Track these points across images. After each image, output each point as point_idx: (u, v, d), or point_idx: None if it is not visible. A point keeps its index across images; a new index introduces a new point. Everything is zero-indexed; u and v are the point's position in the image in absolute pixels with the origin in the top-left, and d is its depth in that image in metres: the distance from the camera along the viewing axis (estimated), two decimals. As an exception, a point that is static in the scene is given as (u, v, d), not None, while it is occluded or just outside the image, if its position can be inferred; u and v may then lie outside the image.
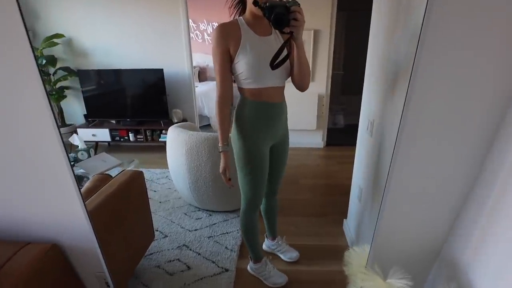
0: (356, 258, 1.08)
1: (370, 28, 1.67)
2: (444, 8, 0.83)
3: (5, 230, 1.06)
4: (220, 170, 1.35)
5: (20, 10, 0.76)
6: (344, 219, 2.11)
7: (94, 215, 1.15)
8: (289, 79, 1.31)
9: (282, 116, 1.36)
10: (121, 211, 1.40)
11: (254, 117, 1.28)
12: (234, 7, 1.29)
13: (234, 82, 1.28)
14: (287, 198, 2.46)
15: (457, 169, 1.04)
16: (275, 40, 1.24)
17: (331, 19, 3.16)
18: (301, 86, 1.28)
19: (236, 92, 1.31)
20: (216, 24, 5.38)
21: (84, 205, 0.97)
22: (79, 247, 1.06)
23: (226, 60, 1.20)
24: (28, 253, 0.98)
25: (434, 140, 1.01)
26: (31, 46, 0.80)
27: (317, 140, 3.63)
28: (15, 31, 0.80)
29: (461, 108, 0.96)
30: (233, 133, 1.35)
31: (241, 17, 1.22)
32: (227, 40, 1.17)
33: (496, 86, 0.91)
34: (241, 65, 1.18)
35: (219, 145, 1.31)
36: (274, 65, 1.10)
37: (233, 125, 1.34)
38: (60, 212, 1.00)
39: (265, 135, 1.32)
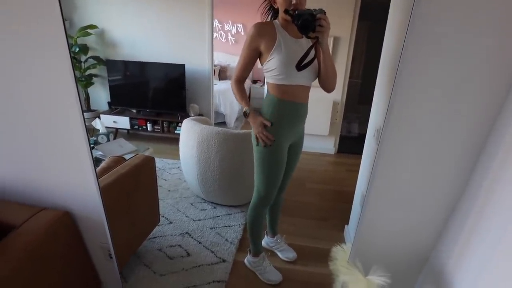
0: (341, 254, 1.12)
1: (384, 37, 1.70)
2: (430, 9, 0.88)
3: (25, 194, 1.17)
4: (257, 131, 1.35)
5: (60, 4, 0.86)
6: (346, 225, 2.13)
7: (105, 191, 1.25)
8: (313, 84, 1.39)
9: (304, 117, 1.43)
10: (131, 191, 1.50)
11: (280, 115, 1.34)
12: (265, 14, 1.41)
13: (255, 82, 1.37)
14: (291, 199, 2.50)
15: (443, 176, 1.07)
16: (306, 42, 1.32)
17: (352, 27, 3.18)
18: (327, 87, 1.37)
19: (258, 94, 1.40)
20: (241, 26, 5.51)
21: (97, 179, 1.07)
22: (89, 217, 1.16)
23: (254, 55, 1.32)
24: (43, 217, 1.09)
25: (418, 146, 1.05)
26: (66, 35, 0.90)
27: (329, 146, 3.64)
28: (54, 23, 0.90)
29: (448, 115, 0.99)
30: None
31: (276, 20, 1.33)
32: (262, 38, 1.27)
33: (486, 91, 0.94)
34: (275, 61, 1.26)
35: (244, 108, 1.38)
36: (300, 66, 1.21)
37: None
38: (75, 183, 1.11)
39: (287, 134, 1.39)
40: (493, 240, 0.88)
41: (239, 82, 1.40)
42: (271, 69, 1.29)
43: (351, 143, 3.78)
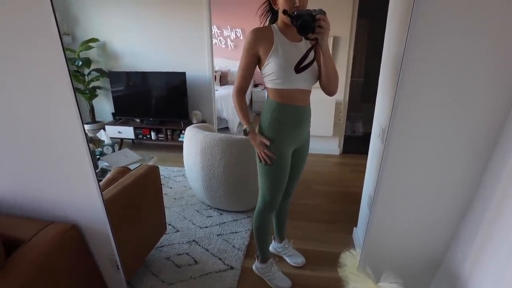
0: (350, 260, 1.10)
1: (385, 34, 1.69)
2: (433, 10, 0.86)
3: (33, 209, 1.19)
4: (258, 150, 1.36)
5: (54, 15, 0.87)
6: (354, 228, 2.10)
7: (111, 203, 1.26)
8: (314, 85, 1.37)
9: (307, 120, 1.41)
10: (136, 201, 1.51)
11: (281, 119, 1.33)
12: (264, 16, 1.39)
13: (256, 86, 1.35)
14: (298, 202, 2.48)
15: (456, 176, 1.03)
16: (305, 46, 1.31)
17: (351, 26, 3.17)
18: (329, 90, 1.34)
19: (259, 97, 1.39)
20: (239, 31, 5.54)
21: (100, 190, 1.08)
22: (95, 229, 1.17)
23: (253, 60, 1.30)
24: (51, 231, 1.10)
25: (426, 145, 1.01)
26: (63, 50, 0.91)
27: (333, 147, 3.62)
28: (50, 37, 0.91)
29: (456, 113, 0.96)
30: (260, 131, 1.40)
31: (274, 24, 1.32)
32: (259, 43, 1.26)
33: (497, 88, 0.91)
34: (272, 66, 1.25)
35: (244, 126, 1.37)
36: (298, 69, 1.18)
37: (259, 127, 1.40)
38: (80, 196, 1.12)
39: (290, 138, 1.37)
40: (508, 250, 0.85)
41: (241, 93, 1.36)
42: (269, 74, 1.29)
43: (356, 143, 3.75)
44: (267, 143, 1.33)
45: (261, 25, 1.38)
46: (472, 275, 0.97)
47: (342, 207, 2.48)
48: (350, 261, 1.10)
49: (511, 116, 0.91)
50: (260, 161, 1.38)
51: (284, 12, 1.18)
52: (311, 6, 1.17)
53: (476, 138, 0.97)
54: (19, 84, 1.01)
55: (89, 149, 1.01)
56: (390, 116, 0.99)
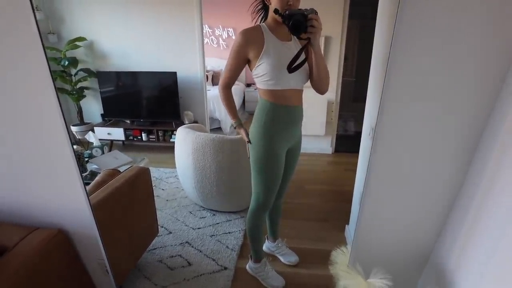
0: (341, 257, 1.10)
1: (375, 35, 1.70)
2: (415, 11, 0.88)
3: (17, 214, 1.15)
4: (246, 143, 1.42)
5: (34, 13, 0.84)
6: (346, 225, 2.11)
7: (100, 206, 1.23)
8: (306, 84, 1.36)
9: (299, 120, 1.41)
10: (126, 204, 1.47)
11: (274, 119, 1.31)
12: (257, 13, 1.37)
13: (249, 86, 1.35)
14: (291, 201, 2.48)
15: (442, 174, 1.06)
16: (295, 45, 1.30)
17: (342, 26, 3.18)
18: (320, 89, 1.34)
19: (252, 97, 1.39)
20: (231, 30, 5.51)
21: (87, 195, 1.05)
22: (83, 234, 1.14)
23: (242, 63, 1.29)
24: (36, 237, 1.06)
25: (412, 144, 1.03)
26: (44, 50, 0.88)
27: (326, 146, 3.63)
28: (30, 35, 0.88)
29: (441, 112, 0.98)
30: (252, 134, 1.39)
31: (263, 23, 1.29)
32: (249, 45, 1.24)
33: (479, 87, 0.94)
34: (264, 66, 1.24)
35: (232, 121, 1.40)
36: (291, 68, 1.17)
37: (252, 127, 1.38)
38: (67, 201, 1.09)
39: (283, 138, 1.36)
40: (494, 237, 0.87)
41: (227, 88, 1.38)
42: (261, 75, 1.27)
43: (348, 142, 3.77)
44: (246, 140, 1.38)
45: (253, 22, 1.36)
46: (458, 267, 1.00)
47: (335, 205, 2.48)
48: (340, 258, 1.11)
49: (493, 115, 0.93)
50: (249, 157, 1.38)
51: (276, 11, 1.17)
52: (302, 6, 1.16)
53: (460, 136, 1.00)
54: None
55: (75, 152, 0.98)
56: (377, 116, 1.00)
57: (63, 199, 1.08)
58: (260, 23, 1.34)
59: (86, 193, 1.04)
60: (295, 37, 1.31)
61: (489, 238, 0.88)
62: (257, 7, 1.36)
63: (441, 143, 1.01)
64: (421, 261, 1.17)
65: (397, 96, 0.97)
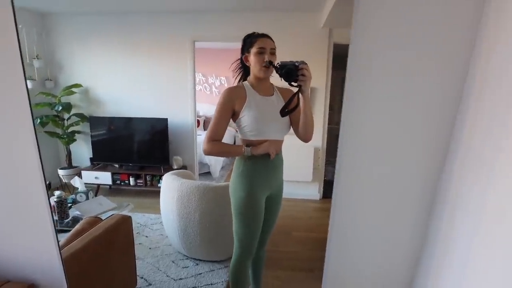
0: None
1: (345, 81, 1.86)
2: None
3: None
4: (269, 150, 1.35)
5: (21, 56, 0.90)
6: (333, 276, 2.05)
7: (75, 257, 1.20)
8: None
9: (279, 167, 1.46)
10: (104, 255, 1.43)
11: (255, 168, 1.37)
12: (236, 71, 1.50)
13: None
14: (276, 249, 2.42)
15: (405, 219, 1.13)
16: (276, 99, 1.41)
17: (326, 78, 3.41)
18: (305, 136, 1.40)
19: (240, 141, 1.44)
20: (224, 79, 5.81)
21: (59, 249, 1.03)
22: (54, 288, 1.09)
23: (227, 115, 1.35)
24: (5, 292, 1.02)
25: (374, 193, 1.11)
26: (28, 96, 0.92)
27: (313, 192, 3.65)
28: (15, 80, 0.93)
29: (398, 156, 1.07)
30: (232, 182, 1.43)
31: (246, 82, 1.42)
32: (234, 101, 1.34)
33: (441, 109, 1.02)
34: (246, 119, 1.33)
35: (243, 151, 1.34)
36: (285, 112, 1.26)
37: (233, 175, 1.43)
38: (39, 254, 1.06)
39: (263, 185, 1.40)
40: (461, 261, 0.92)
41: (214, 140, 1.35)
42: (243, 126, 1.36)
43: (335, 187, 3.80)
44: (271, 151, 1.36)
45: (233, 79, 1.49)
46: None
47: (322, 254, 2.42)
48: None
49: (452, 145, 1.02)
50: (235, 198, 1.41)
51: (270, 63, 1.29)
52: (289, 59, 1.27)
53: (420, 177, 1.08)
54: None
55: (50, 204, 0.99)
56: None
57: (35, 252, 1.05)
58: (241, 82, 1.46)
59: (59, 246, 1.02)
60: (277, 91, 1.44)
61: (457, 263, 0.93)
62: (237, 66, 1.49)
63: (400, 191, 1.10)
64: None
65: (352, 144, 1.08)
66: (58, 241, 1.02)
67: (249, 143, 1.37)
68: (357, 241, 1.21)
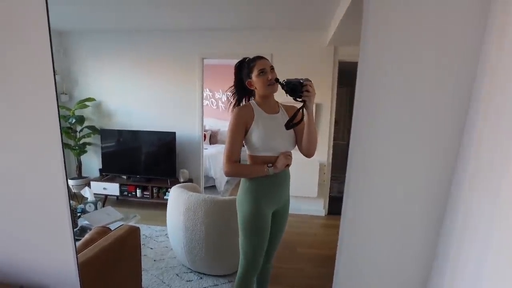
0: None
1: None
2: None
3: (4, 271, 1.15)
4: (286, 162, 1.42)
5: (54, 78, 0.98)
6: (338, 294, 2.03)
7: (86, 266, 1.23)
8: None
9: (286, 183, 1.51)
10: (112, 266, 1.46)
11: (262, 183, 1.42)
12: (232, 96, 1.54)
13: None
14: (281, 266, 2.41)
15: (417, 232, 1.12)
16: (282, 117, 1.46)
17: (331, 94, 3.48)
18: (308, 151, 1.45)
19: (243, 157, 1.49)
20: (230, 94, 5.91)
21: (76, 256, 1.07)
22: (66, 295, 1.12)
23: (242, 133, 1.40)
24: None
25: (384, 211, 1.12)
26: (58, 111, 1.00)
27: (318, 207, 3.64)
28: (48, 100, 1.01)
29: (406, 172, 1.07)
30: (239, 197, 1.48)
31: (253, 101, 1.48)
32: (245, 119, 1.40)
33: (451, 116, 1.01)
34: (254, 136, 1.39)
35: (266, 170, 1.38)
36: (290, 125, 1.33)
37: (240, 190, 1.47)
38: (56, 261, 1.10)
39: (270, 200, 1.44)
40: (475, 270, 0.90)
41: (233, 161, 1.38)
42: (251, 143, 1.41)
43: (342, 204, 3.78)
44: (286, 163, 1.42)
45: (228, 105, 1.55)
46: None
47: (326, 271, 2.40)
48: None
49: (461, 153, 1.01)
50: (243, 209, 1.44)
51: (276, 80, 1.37)
52: (294, 77, 1.33)
53: (431, 189, 1.07)
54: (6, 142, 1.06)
55: (71, 213, 1.04)
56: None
57: (51, 258, 1.10)
58: (250, 101, 1.52)
59: (76, 255, 1.06)
60: (282, 109, 1.49)
61: (471, 272, 0.90)
62: (232, 92, 1.54)
63: (412, 202, 1.09)
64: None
65: (363, 150, 1.10)
66: (76, 250, 1.06)
67: (254, 158, 1.43)
68: (367, 257, 1.21)
